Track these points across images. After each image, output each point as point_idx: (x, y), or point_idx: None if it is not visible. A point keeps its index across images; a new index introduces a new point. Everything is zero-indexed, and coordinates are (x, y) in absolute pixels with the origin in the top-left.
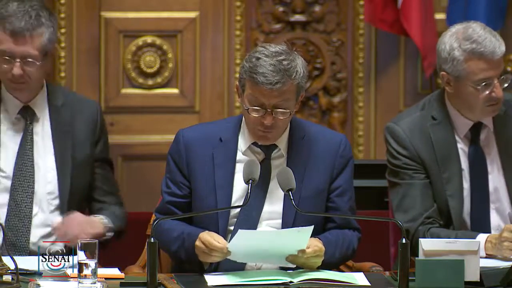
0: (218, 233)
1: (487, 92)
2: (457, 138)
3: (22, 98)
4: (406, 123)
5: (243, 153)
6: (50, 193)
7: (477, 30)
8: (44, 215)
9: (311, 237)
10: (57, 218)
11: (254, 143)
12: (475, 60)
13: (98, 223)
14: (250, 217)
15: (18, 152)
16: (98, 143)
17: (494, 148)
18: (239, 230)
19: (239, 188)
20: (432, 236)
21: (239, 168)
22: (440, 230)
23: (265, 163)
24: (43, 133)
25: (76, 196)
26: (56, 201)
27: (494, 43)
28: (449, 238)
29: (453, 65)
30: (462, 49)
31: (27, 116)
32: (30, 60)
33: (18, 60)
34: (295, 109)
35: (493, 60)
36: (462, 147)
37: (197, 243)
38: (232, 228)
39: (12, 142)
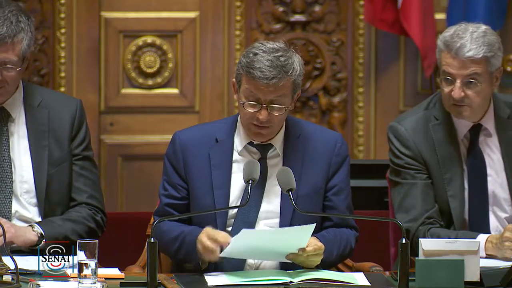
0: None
1: (449, 89)
2: (458, 138)
3: None
4: (409, 123)
5: (239, 153)
6: (27, 192)
7: (467, 29)
8: (26, 212)
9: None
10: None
11: (250, 143)
12: (445, 52)
13: (27, 233)
14: (248, 217)
15: None
16: (75, 139)
17: (495, 151)
18: (243, 230)
19: (236, 188)
20: (432, 236)
21: (236, 168)
22: (441, 230)
23: (261, 162)
24: (19, 133)
25: (54, 194)
26: (34, 200)
27: (467, 43)
28: (449, 238)
29: (436, 53)
30: (441, 40)
31: (2, 117)
32: (9, 66)
33: None
34: (290, 107)
35: (457, 57)
36: (462, 148)
37: (202, 238)
38: (230, 228)
39: None
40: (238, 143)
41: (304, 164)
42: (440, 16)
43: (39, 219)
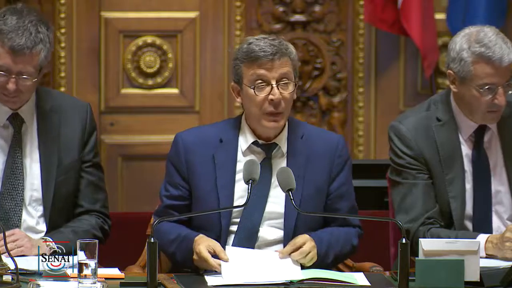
0: (220, 234)
1: (490, 97)
2: (461, 139)
3: (11, 106)
4: (411, 123)
5: (243, 153)
6: (36, 200)
7: (489, 34)
8: (33, 221)
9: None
10: (41, 226)
11: (255, 142)
12: (482, 64)
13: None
14: (252, 218)
15: (6, 160)
16: (86, 146)
17: (498, 151)
18: (227, 247)
19: (241, 188)
20: (432, 236)
21: (240, 168)
22: (441, 230)
23: (265, 162)
24: (31, 140)
25: (60, 203)
26: (41, 207)
27: (504, 50)
28: (449, 238)
29: (460, 65)
30: (471, 51)
31: (15, 123)
32: (25, 76)
33: (13, 76)
34: (294, 92)
35: (500, 66)
36: (465, 149)
37: (195, 257)
38: (234, 228)
39: (0, 150)
40: (243, 143)
41: (308, 164)
42: (440, 16)
43: (44, 227)
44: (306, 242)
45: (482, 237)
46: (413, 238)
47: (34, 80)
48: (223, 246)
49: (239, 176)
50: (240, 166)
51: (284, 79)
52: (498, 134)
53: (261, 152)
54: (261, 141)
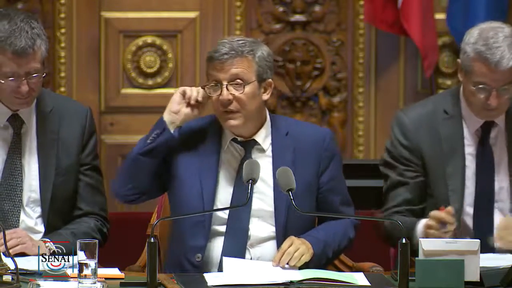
0: (208, 230)
1: (483, 96)
2: (466, 134)
3: (26, 107)
4: (415, 114)
5: (225, 151)
6: (34, 201)
7: (499, 35)
8: (31, 222)
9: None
10: (39, 227)
11: (234, 139)
12: (479, 62)
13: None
14: (240, 216)
15: (6, 161)
16: (85, 148)
17: (503, 147)
18: (225, 259)
19: (224, 177)
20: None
21: (224, 158)
22: (400, 217)
23: (246, 159)
24: (30, 141)
25: (58, 205)
26: (39, 209)
27: (504, 54)
28: (405, 223)
29: (464, 57)
30: (473, 47)
31: (15, 124)
32: (35, 75)
33: (23, 78)
34: (262, 96)
35: (496, 69)
36: (470, 144)
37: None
38: (222, 228)
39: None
40: (224, 139)
41: (295, 161)
42: (440, 16)
43: (42, 227)
44: (291, 244)
45: (421, 223)
46: (382, 225)
47: (43, 76)
48: (210, 238)
49: (223, 167)
50: (223, 156)
51: (237, 80)
52: (505, 130)
53: (241, 150)
54: (240, 138)
